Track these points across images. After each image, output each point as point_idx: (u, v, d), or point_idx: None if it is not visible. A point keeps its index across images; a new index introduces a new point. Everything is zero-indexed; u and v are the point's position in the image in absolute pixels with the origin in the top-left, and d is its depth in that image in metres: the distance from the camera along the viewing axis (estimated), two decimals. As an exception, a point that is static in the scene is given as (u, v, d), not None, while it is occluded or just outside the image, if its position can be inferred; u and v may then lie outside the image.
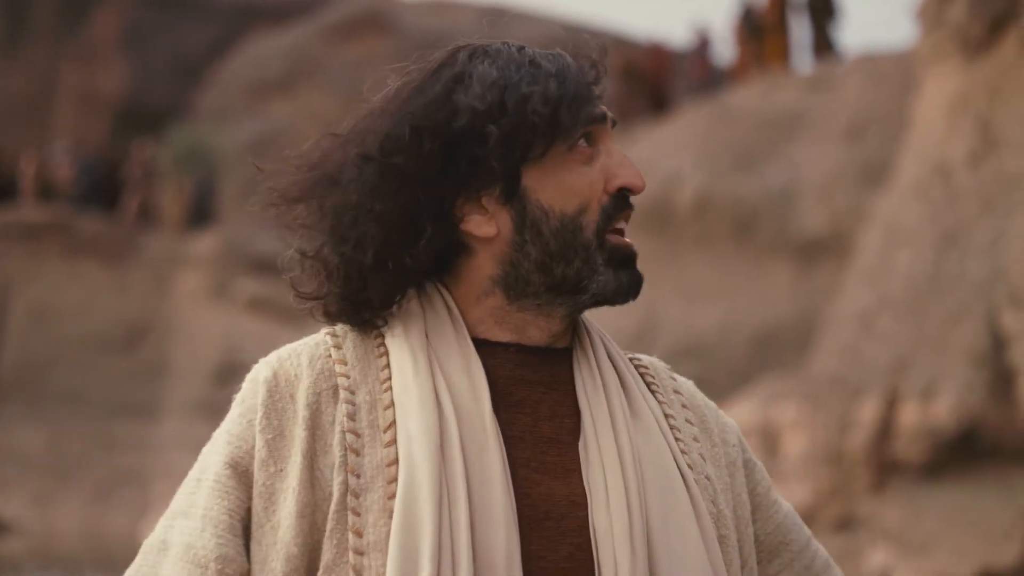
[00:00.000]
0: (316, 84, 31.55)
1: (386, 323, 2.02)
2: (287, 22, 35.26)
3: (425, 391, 1.95)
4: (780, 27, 20.04)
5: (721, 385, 14.35)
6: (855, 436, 10.97)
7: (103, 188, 27.27)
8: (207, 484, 1.98)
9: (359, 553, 1.92)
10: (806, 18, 20.06)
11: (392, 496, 1.92)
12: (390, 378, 1.98)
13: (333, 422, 1.96)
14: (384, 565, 1.90)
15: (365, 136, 2.01)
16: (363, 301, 2.01)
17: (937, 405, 10.57)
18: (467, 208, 1.99)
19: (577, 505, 1.96)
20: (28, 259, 24.41)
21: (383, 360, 2.00)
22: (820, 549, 2.20)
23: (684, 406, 2.11)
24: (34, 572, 16.95)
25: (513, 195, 1.99)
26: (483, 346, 2.00)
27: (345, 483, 1.93)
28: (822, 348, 12.50)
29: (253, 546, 1.96)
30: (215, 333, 23.41)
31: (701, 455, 2.07)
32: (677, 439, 2.06)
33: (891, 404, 10.87)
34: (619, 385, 2.04)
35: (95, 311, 24.31)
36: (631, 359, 2.13)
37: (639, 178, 2.02)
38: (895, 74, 16.30)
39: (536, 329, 2.01)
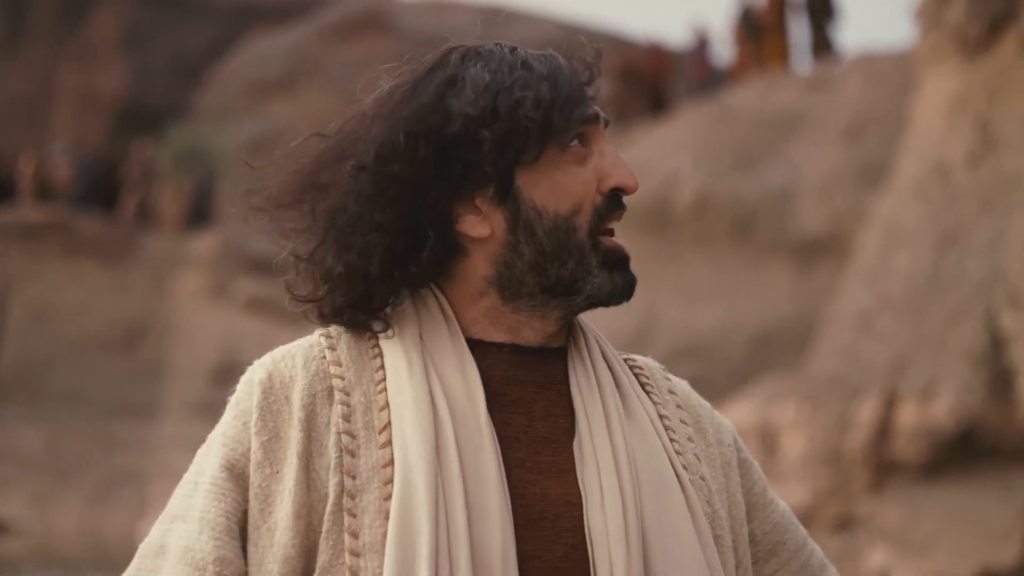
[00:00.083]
0: (316, 84, 31.56)
1: (384, 325, 2.02)
2: (286, 22, 35.27)
3: (420, 392, 1.96)
4: (779, 27, 20.04)
5: (720, 385, 14.34)
6: (854, 436, 10.97)
7: (102, 188, 27.26)
8: (204, 487, 1.98)
9: (355, 554, 1.92)
10: (805, 18, 20.06)
11: (388, 497, 1.92)
12: (385, 379, 1.98)
13: (328, 423, 1.96)
14: (380, 566, 1.90)
15: (358, 142, 2.01)
16: (360, 304, 2.02)
17: (936, 405, 10.57)
18: (460, 209, 2.00)
19: (572, 505, 1.96)
20: (27, 259, 24.41)
21: (377, 361, 2.00)
22: (816, 548, 2.21)
23: (679, 406, 2.11)
24: (33, 572, 16.94)
25: (507, 196, 1.99)
26: (477, 347, 2.00)
27: (341, 484, 1.93)
28: (821, 348, 12.50)
29: (250, 548, 1.96)
30: (214, 333, 23.40)
31: (696, 455, 2.07)
32: (672, 439, 2.06)
33: (890, 404, 10.87)
34: (613, 385, 2.04)
35: (94, 311, 24.31)
36: (626, 359, 2.13)
37: (632, 178, 2.02)
38: (894, 74, 16.30)
39: (530, 330, 2.02)
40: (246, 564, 1.96)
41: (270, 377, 2.00)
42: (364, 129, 2.01)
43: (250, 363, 2.05)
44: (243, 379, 2.03)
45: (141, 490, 21.01)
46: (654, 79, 22.63)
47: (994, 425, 10.43)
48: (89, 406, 23.28)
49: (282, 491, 1.95)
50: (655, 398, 2.09)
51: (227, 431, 2.00)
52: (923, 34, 12.38)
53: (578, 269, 1.99)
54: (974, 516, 10.24)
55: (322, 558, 1.93)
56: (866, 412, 10.95)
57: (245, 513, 1.97)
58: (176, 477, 2.05)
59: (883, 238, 12.22)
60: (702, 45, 24.10)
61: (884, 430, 10.84)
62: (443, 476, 1.92)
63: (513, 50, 2.04)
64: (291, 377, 1.99)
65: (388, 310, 2.03)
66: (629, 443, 1.99)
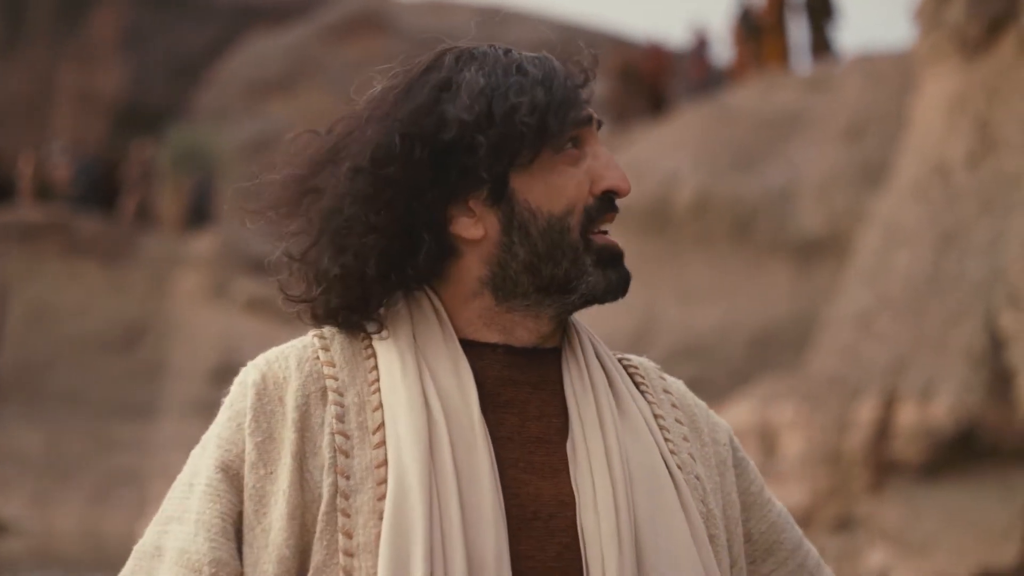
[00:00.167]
0: (315, 84, 31.56)
1: (378, 326, 2.02)
2: (286, 22, 35.27)
3: (413, 392, 1.96)
4: (778, 27, 20.04)
5: (720, 385, 14.35)
6: (853, 436, 10.97)
7: (101, 188, 27.24)
8: (199, 488, 1.98)
9: (349, 555, 1.92)
10: (804, 18, 20.05)
11: (382, 497, 1.92)
12: (378, 380, 1.99)
13: (322, 424, 1.97)
14: (374, 566, 1.91)
15: (352, 143, 2.01)
16: (355, 306, 2.02)
17: (936, 405, 10.57)
18: (454, 211, 2.00)
19: (565, 505, 1.96)
20: (26, 259, 24.40)
21: (371, 362, 2.00)
22: (812, 549, 2.21)
23: (674, 405, 2.11)
24: (33, 572, 16.94)
25: (501, 198, 1.99)
26: (471, 347, 2.01)
27: (335, 485, 1.94)
28: (821, 348, 12.50)
29: (245, 549, 1.96)
30: (213, 333, 23.40)
31: (691, 454, 2.08)
32: (666, 439, 2.06)
33: (889, 404, 10.87)
34: (607, 385, 2.04)
35: (93, 311, 24.30)
36: (620, 359, 2.13)
37: (625, 181, 2.03)
38: (894, 74, 16.30)
39: (524, 330, 2.02)
40: (241, 565, 1.96)
41: (264, 378, 2.00)
42: (359, 131, 2.01)
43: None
44: (237, 380, 2.03)
45: (141, 490, 21.01)
46: (654, 79, 22.63)
47: (994, 425, 10.42)
48: (89, 406, 23.28)
49: (276, 492, 1.95)
50: (650, 397, 2.09)
51: (221, 432, 2.00)
52: (923, 34, 12.38)
53: (572, 269, 2.00)
54: (974, 516, 10.24)
55: (316, 558, 1.93)
56: (865, 412, 10.95)
57: (240, 514, 1.97)
58: (175, 477, 2.05)
59: (883, 238, 12.22)
60: (702, 45, 24.10)
61: (883, 430, 10.84)
62: (437, 476, 1.92)
63: (507, 52, 2.05)
64: (285, 378, 2.00)
65: (382, 311, 2.03)
66: (622, 443, 2.00)
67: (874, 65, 17.47)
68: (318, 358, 2.01)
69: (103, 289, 24.56)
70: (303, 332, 2.07)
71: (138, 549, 2.02)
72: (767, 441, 11.52)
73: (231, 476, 1.97)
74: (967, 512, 10.28)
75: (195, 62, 34.96)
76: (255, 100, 32.62)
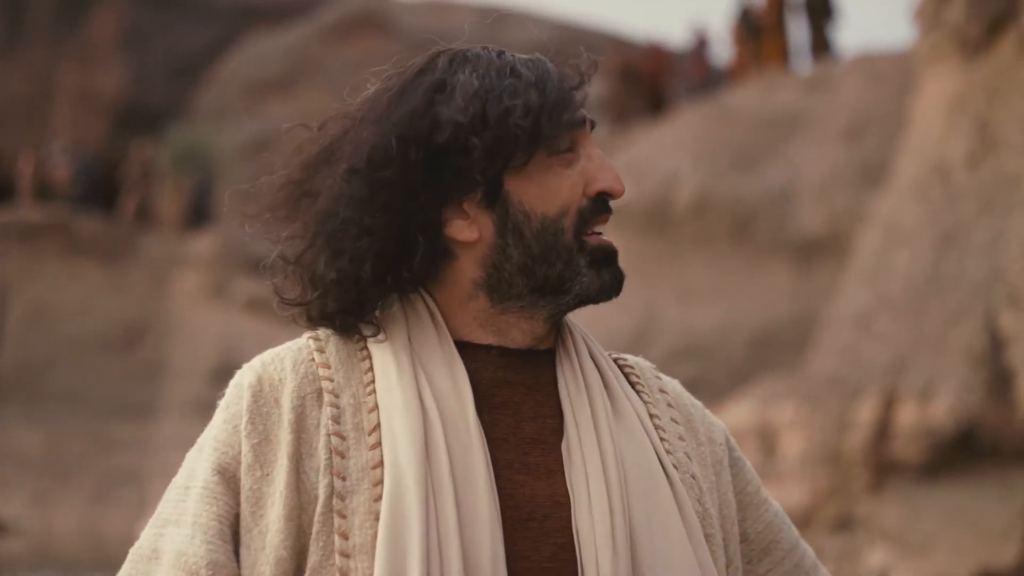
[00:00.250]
0: (315, 84, 31.56)
1: (375, 328, 2.02)
2: (285, 22, 35.28)
3: (409, 394, 1.96)
4: (778, 27, 20.03)
5: (720, 385, 14.35)
6: (853, 436, 10.96)
7: (101, 188, 27.24)
8: (196, 491, 1.98)
9: (345, 555, 1.92)
10: (804, 18, 20.05)
11: (378, 498, 1.93)
12: (374, 381, 1.99)
13: (318, 425, 1.97)
14: (370, 567, 1.91)
15: (346, 145, 2.01)
16: (351, 310, 2.02)
17: (935, 405, 10.56)
18: (449, 213, 2.00)
19: (560, 505, 1.97)
20: (26, 259, 24.40)
21: (366, 363, 2.00)
22: (808, 549, 2.22)
23: (670, 405, 2.12)
24: (33, 572, 16.94)
25: (495, 200, 2.00)
26: (466, 349, 2.01)
27: (331, 486, 1.94)
28: (820, 348, 12.50)
29: (242, 551, 1.96)
30: (213, 333, 23.40)
31: (687, 454, 2.08)
32: (662, 438, 2.06)
33: (889, 404, 10.86)
34: (602, 386, 2.05)
35: (93, 311, 24.30)
36: (616, 359, 2.13)
37: (618, 182, 2.03)
38: (893, 74, 16.30)
39: (519, 331, 2.02)
40: (239, 567, 1.96)
41: (259, 380, 2.00)
42: (353, 132, 2.01)
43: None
44: (232, 383, 2.03)
45: (140, 490, 21.01)
46: (653, 79, 22.63)
47: (993, 425, 10.42)
48: (89, 406, 23.28)
49: (273, 493, 1.96)
50: (645, 397, 2.10)
51: (217, 435, 2.00)
52: (922, 34, 12.38)
53: (566, 270, 2.00)
54: (973, 516, 10.24)
55: (312, 559, 1.94)
56: (865, 412, 10.94)
57: (237, 516, 1.97)
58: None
59: (883, 238, 12.22)
60: (701, 45, 24.09)
61: (883, 430, 10.84)
62: (433, 477, 1.93)
63: (500, 54, 2.05)
64: (280, 380, 2.00)
65: (377, 313, 2.03)
66: (617, 443, 2.00)
67: (874, 65, 17.46)
68: (313, 360, 2.01)
69: (103, 289, 24.56)
70: (302, 333, 2.08)
71: (134, 552, 2.02)
72: (767, 441, 11.52)
73: (228, 478, 1.97)
74: (967, 512, 10.28)
75: (195, 62, 34.97)
76: (255, 100, 32.62)
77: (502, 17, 28.92)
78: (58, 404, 23.30)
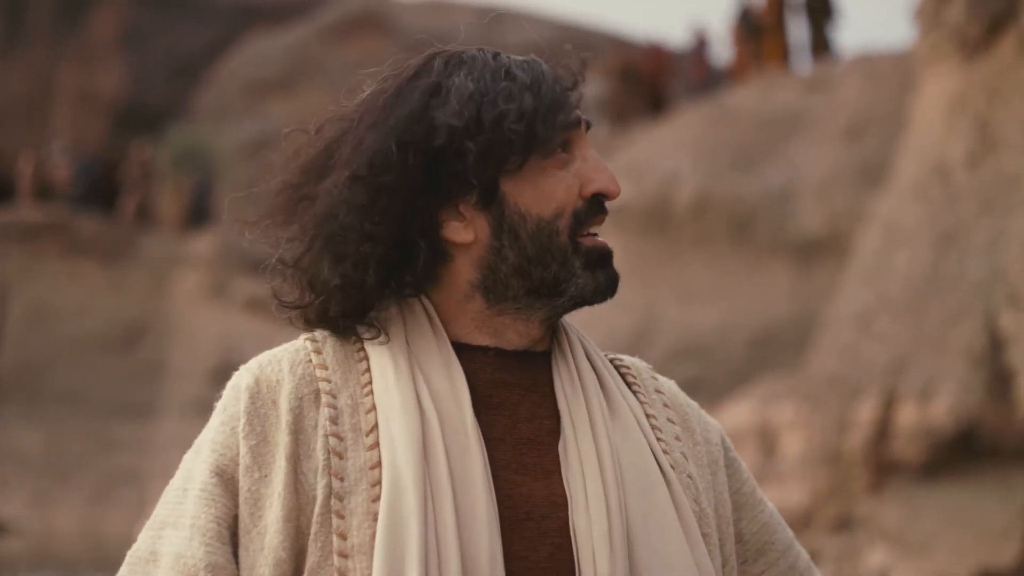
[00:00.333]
0: (315, 84, 31.55)
1: (376, 331, 2.02)
2: (285, 22, 35.27)
3: (407, 394, 1.96)
4: (778, 27, 20.03)
5: (719, 385, 14.35)
6: (853, 436, 10.96)
7: (101, 188, 27.24)
8: (193, 493, 1.98)
9: (343, 556, 1.93)
10: (804, 18, 20.04)
11: (376, 499, 1.93)
12: (371, 382, 1.99)
13: (316, 426, 1.97)
14: (369, 567, 1.91)
15: (344, 149, 2.01)
16: (351, 312, 2.02)
17: (935, 405, 10.56)
18: (445, 215, 2.01)
19: (557, 506, 1.97)
20: (26, 259, 24.40)
21: (363, 364, 2.01)
22: (802, 551, 2.22)
23: (666, 405, 2.12)
24: (32, 572, 16.94)
25: (491, 202, 2.00)
26: (462, 350, 2.01)
27: (329, 486, 1.94)
28: (820, 348, 12.50)
29: (241, 553, 1.96)
30: (213, 333, 23.40)
31: (683, 454, 2.08)
32: (659, 438, 2.07)
33: (889, 404, 10.86)
34: (598, 386, 2.05)
35: (93, 311, 24.30)
36: (612, 360, 2.14)
37: (614, 183, 2.03)
38: (893, 74, 16.30)
39: (515, 333, 2.03)
40: (237, 569, 1.96)
41: (257, 382, 2.00)
42: (351, 136, 2.02)
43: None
44: (230, 384, 2.03)
45: (140, 490, 21.01)
46: (653, 79, 22.63)
47: (993, 425, 10.42)
48: (88, 406, 23.28)
49: (271, 495, 1.96)
50: (642, 397, 2.10)
51: (215, 436, 2.00)
52: (922, 34, 12.38)
53: (561, 271, 2.00)
54: (973, 516, 10.24)
55: (311, 560, 1.94)
56: (865, 412, 10.94)
57: (235, 518, 1.97)
58: (174, 478, 2.05)
59: (883, 238, 12.22)
60: (701, 45, 24.09)
61: (883, 430, 10.83)
62: (431, 477, 1.93)
63: (496, 56, 2.05)
64: (278, 381, 2.00)
65: (374, 315, 2.04)
66: (614, 443, 2.01)
67: (874, 65, 17.46)
68: (311, 361, 2.01)
69: (103, 289, 24.56)
70: (300, 334, 2.08)
71: (132, 554, 2.02)
72: (767, 441, 11.52)
73: (226, 480, 1.97)
74: (967, 512, 10.28)
75: (195, 62, 34.97)
76: (255, 100, 32.62)
77: (501, 17, 28.91)
78: (58, 404, 23.30)
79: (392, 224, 1.98)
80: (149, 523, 2.02)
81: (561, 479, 1.98)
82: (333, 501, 1.94)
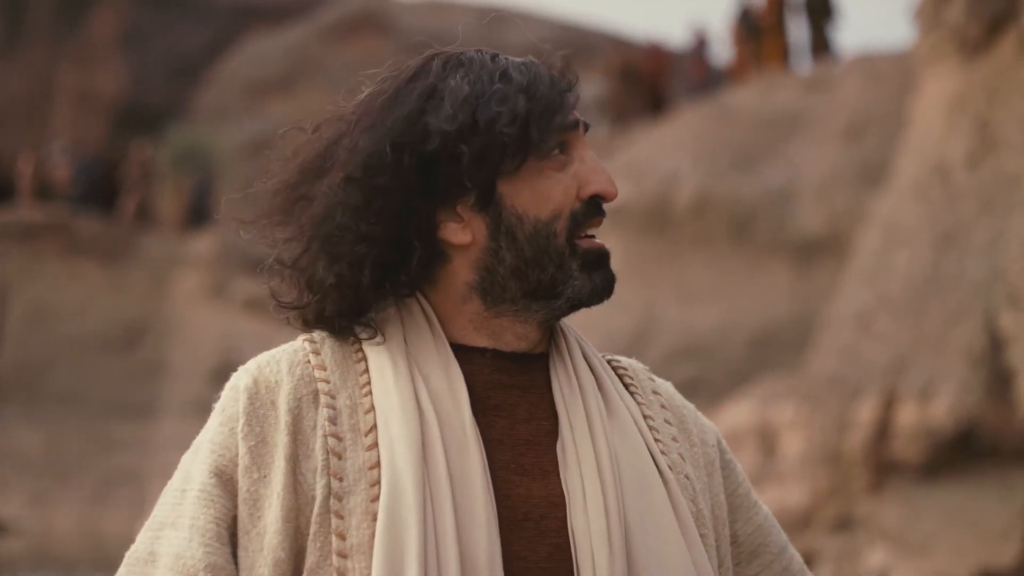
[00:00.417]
0: (315, 84, 31.55)
1: (372, 331, 2.02)
2: (285, 22, 35.28)
3: (406, 395, 1.97)
4: (778, 27, 20.03)
5: (719, 385, 14.34)
6: (853, 436, 10.96)
7: (101, 188, 27.23)
8: (192, 494, 1.98)
9: (342, 556, 1.93)
10: (804, 18, 20.04)
11: (375, 499, 1.93)
12: (370, 383, 1.99)
13: (315, 427, 1.97)
14: (368, 567, 1.91)
15: (340, 150, 2.01)
16: (349, 313, 2.02)
17: (935, 405, 10.56)
18: (442, 216, 2.01)
19: (556, 506, 1.98)
20: (26, 259, 24.40)
21: (362, 365, 2.01)
22: (796, 554, 2.23)
23: (663, 406, 2.13)
24: (32, 572, 16.93)
25: (488, 203, 2.00)
26: (460, 351, 2.02)
27: (328, 486, 1.94)
28: (820, 348, 12.50)
29: (240, 553, 1.97)
30: (213, 333, 23.40)
31: (680, 455, 2.09)
32: (656, 439, 2.08)
33: (889, 404, 10.86)
34: (596, 387, 2.05)
35: (93, 311, 24.30)
36: (609, 361, 2.14)
37: (611, 185, 2.03)
38: (893, 74, 16.29)
39: (513, 335, 2.03)
40: (236, 570, 1.96)
41: (256, 382, 2.01)
42: (348, 137, 2.02)
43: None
44: (228, 385, 2.03)
45: (140, 490, 21.00)
46: (653, 79, 22.62)
47: (993, 425, 10.42)
48: (88, 406, 23.28)
49: (270, 495, 1.96)
50: (639, 398, 2.11)
51: (214, 437, 2.00)
52: (922, 34, 12.37)
53: (558, 274, 2.01)
54: (973, 516, 10.23)
55: (310, 560, 1.94)
56: (865, 412, 10.94)
57: (234, 519, 1.97)
58: (174, 479, 2.05)
59: (882, 238, 12.22)
60: (701, 45, 24.09)
61: (883, 430, 10.83)
62: (430, 478, 1.93)
63: (495, 57, 2.05)
64: (276, 382, 2.00)
65: (372, 315, 2.04)
66: (612, 444, 2.01)
67: (874, 65, 17.46)
68: (309, 362, 2.01)
69: (103, 289, 24.56)
70: (300, 334, 2.08)
71: (131, 555, 2.02)
72: (767, 441, 11.52)
73: (225, 481, 1.97)
74: (967, 512, 10.28)
75: (195, 62, 34.96)
76: (255, 100, 32.62)
77: (501, 17, 28.92)
78: (58, 404, 23.30)
79: (388, 225, 1.98)
80: (147, 524, 2.02)
81: (559, 480, 1.98)
82: (332, 501, 1.94)
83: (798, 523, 10.79)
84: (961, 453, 10.51)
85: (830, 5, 19.80)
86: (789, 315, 15.80)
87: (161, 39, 35.25)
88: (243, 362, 2.04)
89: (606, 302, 2.05)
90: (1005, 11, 11.58)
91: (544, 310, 2.02)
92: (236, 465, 1.97)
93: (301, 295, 2.03)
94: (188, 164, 28.21)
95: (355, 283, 1.99)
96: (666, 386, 2.16)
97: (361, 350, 2.02)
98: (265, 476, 1.96)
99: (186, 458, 2.04)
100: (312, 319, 2.03)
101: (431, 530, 1.91)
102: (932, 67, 12.24)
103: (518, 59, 2.05)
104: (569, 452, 1.99)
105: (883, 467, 10.83)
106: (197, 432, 2.04)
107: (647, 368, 2.17)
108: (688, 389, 2.23)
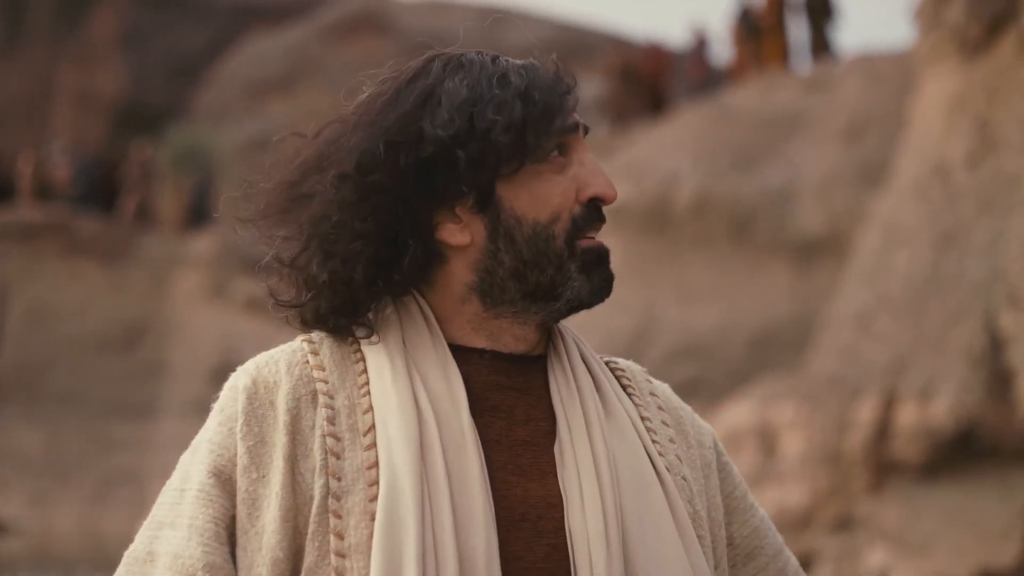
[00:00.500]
0: (315, 84, 31.55)
1: (368, 331, 2.02)
2: (285, 22, 35.27)
3: (404, 395, 1.97)
4: (778, 27, 20.03)
5: (719, 385, 14.34)
6: (853, 436, 10.96)
7: (101, 188, 27.23)
8: (191, 493, 1.99)
9: (341, 555, 1.93)
10: (804, 18, 20.04)
11: (373, 499, 1.93)
12: (368, 383, 2.00)
13: (313, 427, 1.97)
14: (366, 567, 1.92)
15: (338, 150, 2.02)
16: (343, 311, 2.02)
17: (935, 405, 10.56)
18: (441, 217, 2.01)
19: (553, 506, 1.98)
20: (26, 259, 24.40)
21: (360, 366, 2.01)
22: (791, 557, 2.24)
23: (660, 408, 2.13)
24: (32, 572, 16.93)
25: (487, 205, 2.00)
26: (458, 352, 2.02)
27: (326, 486, 1.94)
28: (820, 348, 12.50)
29: (239, 553, 1.97)
30: (213, 333, 23.40)
31: (677, 456, 2.09)
32: (654, 440, 2.08)
33: (889, 404, 10.86)
34: (593, 388, 2.06)
35: (93, 311, 24.30)
36: (608, 362, 2.15)
37: (611, 187, 2.03)
38: (893, 74, 16.30)
39: (511, 337, 2.03)
40: (235, 569, 1.96)
41: (254, 383, 2.01)
42: (346, 136, 2.02)
43: (248, 364, 2.06)
44: (227, 385, 2.04)
45: (140, 490, 21.00)
46: (653, 79, 22.62)
47: (993, 425, 10.42)
48: (88, 406, 23.27)
49: (269, 495, 1.96)
50: (636, 400, 2.11)
51: (213, 437, 2.01)
52: (922, 34, 12.37)
53: (557, 276, 2.01)
54: (973, 516, 10.23)
55: (308, 559, 1.94)
56: (865, 412, 10.94)
57: (233, 518, 1.98)
58: (173, 479, 2.05)
59: (882, 238, 12.22)
60: (701, 45, 24.09)
61: (883, 430, 10.83)
62: (428, 477, 1.94)
63: (495, 60, 2.05)
64: (275, 382, 2.00)
65: (371, 316, 2.04)
66: (609, 445, 2.01)
67: (874, 65, 17.46)
68: (307, 362, 2.02)
69: (103, 289, 24.56)
70: (299, 333, 2.08)
71: (129, 555, 2.02)
72: (767, 441, 11.51)
73: (223, 480, 1.98)
74: (967, 512, 10.28)
75: (195, 62, 34.96)
76: (255, 100, 32.62)
77: (502, 17, 28.93)
78: (58, 404, 23.30)
79: (382, 223, 1.99)
80: (146, 523, 2.02)
81: (557, 480, 1.99)
82: (330, 501, 1.94)
83: (798, 523, 10.80)
84: (961, 453, 10.51)
85: (830, 5, 19.80)
86: (789, 315, 15.80)
87: (161, 39, 35.25)
88: (243, 362, 2.04)
89: (606, 302, 2.05)
90: (1005, 11, 11.58)
91: (543, 312, 2.02)
92: (235, 465, 1.98)
93: (299, 294, 2.04)
94: (188, 164, 28.20)
95: (348, 280, 2.00)
96: (663, 388, 2.16)
97: (359, 350, 2.02)
98: (264, 476, 1.96)
99: (185, 458, 2.04)
100: (310, 318, 2.04)
101: (429, 530, 1.91)
102: (932, 67, 12.24)
103: (519, 61, 2.05)
104: (567, 453, 1.99)
105: (883, 467, 10.83)
106: (197, 432, 2.04)
107: (645, 370, 2.18)
108: (688, 389, 2.23)
